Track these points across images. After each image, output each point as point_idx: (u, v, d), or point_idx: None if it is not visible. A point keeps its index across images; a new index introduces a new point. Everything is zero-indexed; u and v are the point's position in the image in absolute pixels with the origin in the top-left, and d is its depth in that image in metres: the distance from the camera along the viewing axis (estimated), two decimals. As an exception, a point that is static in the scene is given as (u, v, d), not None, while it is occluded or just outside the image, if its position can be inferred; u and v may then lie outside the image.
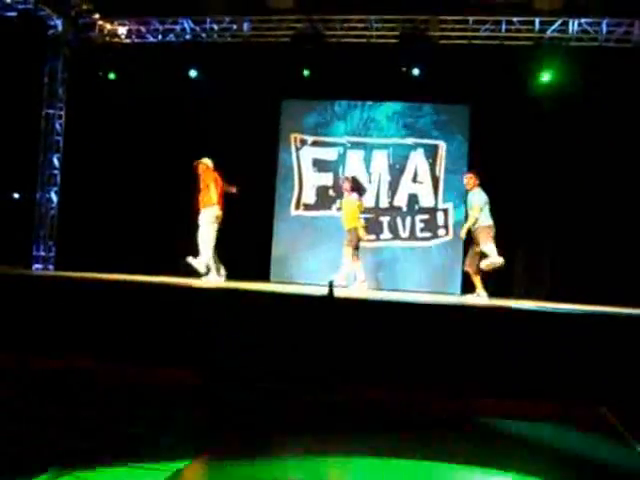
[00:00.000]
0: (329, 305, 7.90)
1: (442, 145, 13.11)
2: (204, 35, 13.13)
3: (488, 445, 5.24)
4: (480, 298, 10.17)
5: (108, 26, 13.37)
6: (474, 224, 10.31)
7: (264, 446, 4.97)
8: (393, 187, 13.27)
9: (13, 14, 12.61)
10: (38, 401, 5.85)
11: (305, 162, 13.57)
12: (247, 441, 5.01)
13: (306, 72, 12.52)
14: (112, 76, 13.23)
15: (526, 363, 7.11)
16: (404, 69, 12.23)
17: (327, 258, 12.75)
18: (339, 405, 6.50)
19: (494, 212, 10.39)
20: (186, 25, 13.06)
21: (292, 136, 13.61)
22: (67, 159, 13.72)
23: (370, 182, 13.28)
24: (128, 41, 13.40)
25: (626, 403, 6.60)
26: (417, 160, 13.21)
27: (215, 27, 13.02)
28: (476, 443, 5.31)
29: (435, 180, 13.15)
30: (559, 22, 11.91)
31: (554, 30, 11.95)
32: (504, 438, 5.59)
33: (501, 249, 10.28)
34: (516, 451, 5.15)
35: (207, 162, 10.92)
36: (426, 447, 5.03)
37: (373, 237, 13.11)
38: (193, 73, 13.00)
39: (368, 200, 13.12)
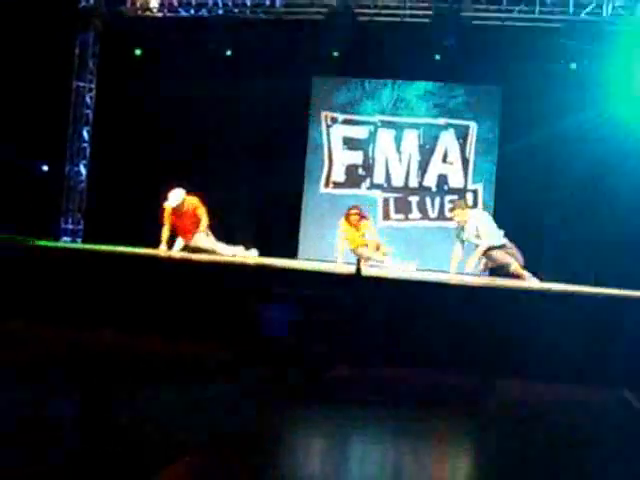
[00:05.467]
0: (357, 283, 8.32)
1: (473, 126, 13.62)
2: (236, 10, 13.52)
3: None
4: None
5: (140, -1, 13.79)
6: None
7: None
8: (423, 167, 13.84)
9: (46, -15, 13.06)
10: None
11: (335, 140, 14.12)
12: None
13: (335, 53, 12.90)
14: (142, 50, 13.64)
15: (549, 344, 7.46)
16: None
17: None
18: (361, 382, 6.93)
19: (527, 196, 10.65)
20: (219, 0, 13.45)
21: (323, 114, 14.18)
22: (97, 132, 14.24)
23: (400, 162, 13.79)
24: (160, 15, 13.81)
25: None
26: (447, 140, 13.77)
27: (248, 3, 13.44)
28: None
29: (465, 161, 13.68)
30: (593, 4, 12.28)
31: (588, 12, 12.32)
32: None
33: (529, 231, 10.61)
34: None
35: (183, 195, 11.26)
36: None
37: (402, 217, 13.57)
38: (225, 51, 13.43)
39: (398, 180, 13.61)
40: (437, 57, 12.93)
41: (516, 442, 4.98)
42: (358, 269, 8.55)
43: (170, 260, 9.99)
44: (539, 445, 4.94)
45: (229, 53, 13.59)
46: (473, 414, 5.78)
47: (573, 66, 12.53)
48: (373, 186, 14.00)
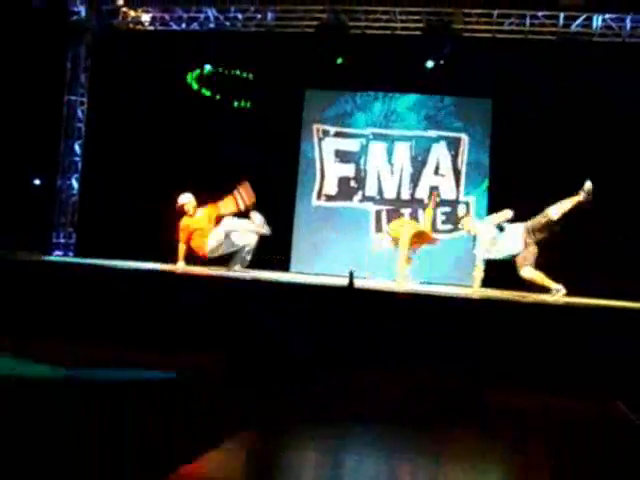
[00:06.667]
0: (349, 295, 8.33)
1: (464, 138, 13.67)
2: (228, 24, 13.58)
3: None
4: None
5: (132, 13, 13.88)
6: None
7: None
8: (415, 179, 13.86)
9: (37, -1, 13.09)
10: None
11: (327, 153, 14.15)
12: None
13: (339, 60, 12.95)
14: (136, 64, 13.66)
15: (540, 356, 7.49)
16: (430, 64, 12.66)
17: (348, 249, 13.28)
18: (354, 393, 6.91)
19: (519, 207, 10.65)
20: (210, 14, 13.60)
21: (314, 127, 14.21)
22: (89, 146, 14.24)
23: (392, 174, 13.83)
24: (152, 28, 13.85)
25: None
26: (439, 153, 13.80)
27: (239, 16, 13.51)
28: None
29: (457, 173, 13.72)
30: (583, 17, 12.39)
31: (578, 25, 12.42)
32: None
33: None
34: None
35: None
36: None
37: (394, 229, 13.57)
38: (218, 64, 13.47)
39: (390, 192, 13.63)
40: (428, 69, 12.97)
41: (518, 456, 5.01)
42: (350, 282, 8.56)
43: (164, 274, 9.99)
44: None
45: (222, 66, 13.65)
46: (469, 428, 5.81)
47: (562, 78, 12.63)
48: (365, 198, 14.02)
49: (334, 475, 4.53)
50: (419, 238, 11.44)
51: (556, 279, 10.28)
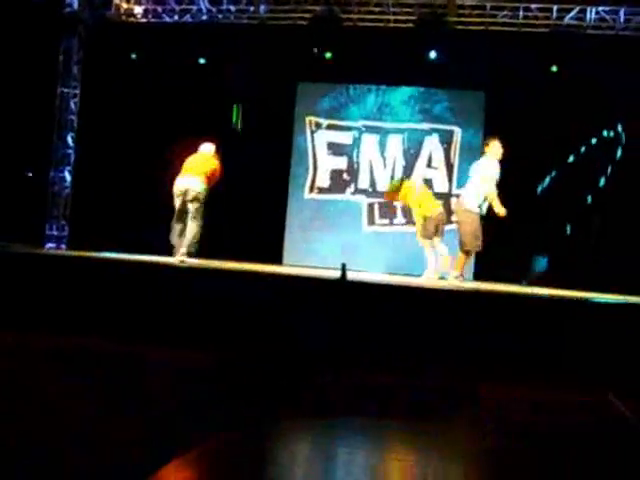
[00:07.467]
0: (341, 288, 8.27)
1: (457, 131, 13.65)
2: (220, 16, 13.51)
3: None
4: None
5: (124, 5, 13.81)
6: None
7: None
8: (407, 172, 13.82)
9: (30, -9, 13.02)
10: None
11: (320, 145, 14.13)
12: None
13: (328, 55, 12.91)
14: (128, 56, 13.60)
15: (532, 348, 7.44)
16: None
17: (340, 241, 13.21)
18: (346, 389, 6.85)
19: (511, 200, 10.60)
20: (202, 6, 13.53)
21: (307, 119, 14.19)
22: (81, 138, 14.16)
23: (385, 167, 13.80)
24: (144, 21, 13.79)
25: (633, 390, 6.91)
26: (432, 145, 13.79)
27: (232, 8, 13.45)
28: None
29: (449, 166, 13.70)
30: (576, 10, 12.32)
31: (571, 17, 12.35)
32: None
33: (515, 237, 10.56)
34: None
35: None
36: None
37: (387, 222, 13.54)
38: (210, 57, 13.41)
39: (382, 185, 13.58)
40: (421, 62, 12.93)
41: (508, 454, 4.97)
42: (343, 274, 8.50)
43: (155, 267, 9.92)
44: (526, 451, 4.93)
45: (214, 59, 13.58)
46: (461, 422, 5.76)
47: (554, 68, 12.55)
48: (358, 191, 14.01)
49: (326, 471, 4.47)
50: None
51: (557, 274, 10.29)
